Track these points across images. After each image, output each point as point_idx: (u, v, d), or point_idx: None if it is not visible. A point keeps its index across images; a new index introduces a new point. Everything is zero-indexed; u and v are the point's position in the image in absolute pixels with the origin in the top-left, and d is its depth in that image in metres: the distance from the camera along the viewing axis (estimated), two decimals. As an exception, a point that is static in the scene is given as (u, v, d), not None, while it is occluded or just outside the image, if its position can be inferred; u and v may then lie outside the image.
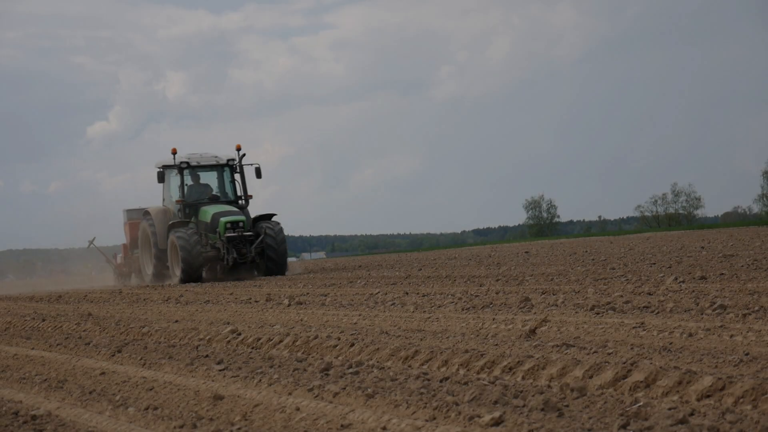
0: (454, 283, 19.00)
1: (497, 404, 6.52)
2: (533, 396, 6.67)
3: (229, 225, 30.24)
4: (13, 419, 7.63)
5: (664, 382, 6.73)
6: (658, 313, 11.13)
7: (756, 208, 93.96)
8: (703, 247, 28.69)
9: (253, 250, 30.28)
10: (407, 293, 17.14)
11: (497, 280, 18.92)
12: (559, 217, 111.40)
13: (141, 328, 14.22)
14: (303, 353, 10.24)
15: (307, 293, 19.61)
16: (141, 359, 10.56)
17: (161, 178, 31.94)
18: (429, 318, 12.64)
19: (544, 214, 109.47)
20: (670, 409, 6.06)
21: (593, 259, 25.95)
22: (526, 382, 7.50)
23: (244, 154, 32.13)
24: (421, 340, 10.42)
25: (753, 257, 20.55)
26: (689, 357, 7.94)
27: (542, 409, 6.23)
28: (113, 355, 11.25)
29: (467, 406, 6.45)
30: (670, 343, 8.84)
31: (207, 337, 12.30)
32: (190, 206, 31.65)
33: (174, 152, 31.62)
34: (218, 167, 32.24)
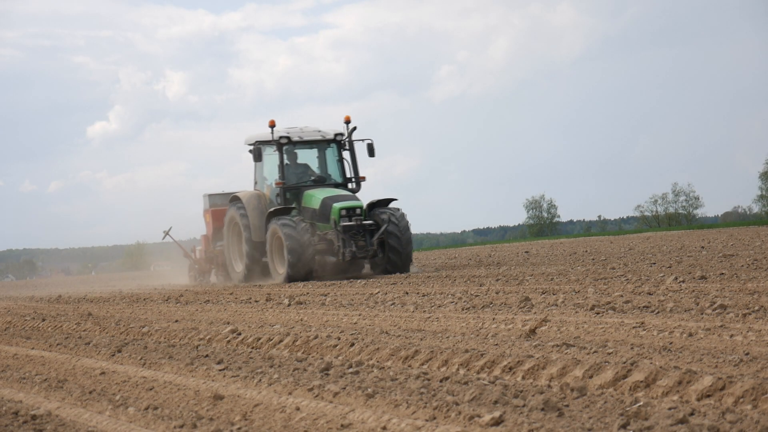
0: (454, 283, 19.00)
1: (497, 404, 6.52)
2: (533, 396, 6.67)
3: (344, 212, 25.19)
4: (13, 419, 7.63)
5: (664, 381, 6.73)
6: (658, 312, 11.13)
7: (756, 208, 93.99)
8: (703, 247, 28.69)
9: (375, 242, 25.26)
10: (407, 293, 17.14)
11: (497, 280, 18.92)
12: (559, 216, 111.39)
13: (141, 328, 14.23)
14: (303, 353, 10.24)
15: (307, 293, 19.61)
16: (141, 359, 10.56)
17: (258, 155, 26.72)
18: (429, 318, 12.64)
19: (545, 214, 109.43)
20: (670, 408, 6.06)
21: (593, 259, 25.96)
22: (526, 381, 7.50)
23: (354, 128, 27.14)
24: (421, 339, 10.42)
25: (753, 257, 20.55)
26: (689, 357, 7.94)
27: (542, 409, 6.23)
28: (113, 355, 11.25)
29: (467, 406, 6.45)
30: (670, 343, 8.84)
31: (207, 337, 12.30)
32: (290, 190, 26.71)
33: (272, 125, 26.77)
34: (323, 143, 27.20)
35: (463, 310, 13.30)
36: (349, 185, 27.10)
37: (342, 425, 6.44)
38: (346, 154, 27.22)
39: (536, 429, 5.74)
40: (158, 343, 12.20)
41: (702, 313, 10.68)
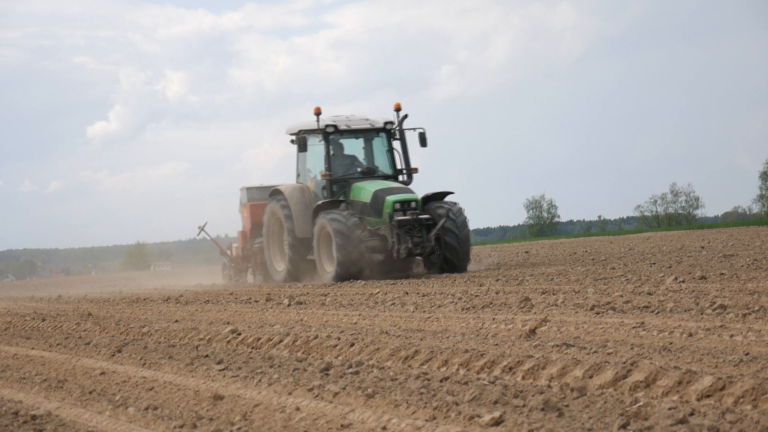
0: (454, 283, 19.00)
1: (497, 404, 6.52)
2: (533, 396, 6.67)
3: (398, 205, 23.36)
4: (13, 419, 7.63)
5: (664, 382, 6.73)
6: (658, 313, 11.13)
7: (756, 208, 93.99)
8: (703, 247, 28.69)
9: (432, 239, 23.36)
10: (407, 293, 17.15)
11: (497, 280, 18.92)
12: (559, 216, 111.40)
13: (141, 328, 14.23)
14: (303, 353, 10.24)
15: (307, 293, 19.62)
16: (141, 359, 10.56)
17: (303, 145, 24.85)
18: (429, 318, 12.64)
19: (545, 214, 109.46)
20: (670, 409, 6.06)
21: (593, 259, 25.96)
22: (526, 382, 7.50)
23: (405, 116, 25.40)
24: (421, 340, 10.42)
25: (753, 257, 20.55)
26: (689, 357, 7.94)
27: (542, 409, 6.23)
28: (113, 355, 11.25)
29: (467, 406, 6.45)
30: (670, 343, 8.84)
31: (207, 337, 12.30)
32: (337, 182, 24.85)
33: (318, 112, 24.77)
34: (371, 132, 25.38)
35: (463, 310, 13.31)
36: (400, 177, 25.39)
37: (342, 425, 6.44)
38: (396, 144, 25.56)
39: (536, 429, 5.74)
40: (158, 343, 12.20)
41: (702, 313, 10.68)
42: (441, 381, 7.62)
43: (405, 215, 23.26)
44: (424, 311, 13.56)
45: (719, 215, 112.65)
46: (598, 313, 11.52)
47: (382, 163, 25.54)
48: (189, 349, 11.30)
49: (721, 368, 7.35)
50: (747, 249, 25.07)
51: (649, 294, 13.33)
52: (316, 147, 25.23)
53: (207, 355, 10.44)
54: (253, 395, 7.69)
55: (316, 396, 7.38)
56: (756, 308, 10.58)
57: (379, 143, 25.53)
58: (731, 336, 8.94)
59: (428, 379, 7.72)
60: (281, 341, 10.97)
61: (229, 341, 11.77)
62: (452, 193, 24.37)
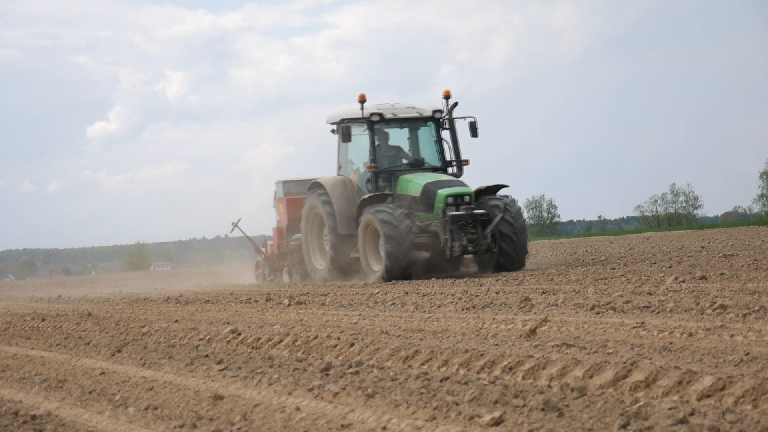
0: (454, 283, 18.99)
1: (497, 404, 6.52)
2: (533, 396, 6.67)
3: (450, 199, 21.82)
4: (13, 419, 7.63)
5: (664, 382, 6.72)
6: (658, 313, 11.13)
7: (756, 208, 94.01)
8: (703, 247, 28.70)
9: (488, 235, 21.74)
10: (407, 293, 17.14)
11: (497, 280, 18.91)
12: (559, 216, 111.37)
13: (141, 328, 14.23)
14: (303, 353, 10.24)
15: (307, 293, 19.62)
16: (141, 359, 10.55)
17: (347, 134, 23.10)
18: (429, 318, 12.64)
19: (545, 214, 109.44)
20: (670, 409, 6.05)
21: (593, 259, 25.96)
22: (526, 382, 7.50)
23: (455, 104, 23.78)
24: (421, 340, 10.42)
25: (753, 257, 20.55)
26: (689, 357, 7.94)
27: (542, 409, 6.23)
28: (113, 355, 11.25)
29: (467, 406, 6.44)
30: (670, 343, 8.84)
31: (207, 337, 12.30)
32: (383, 175, 23.30)
33: (362, 99, 23.11)
34: (418, 121, 23.78)
35: (463, 310, 13.30)
36: (449, 170, 23.75)
37: (342, 425, 6.44)
38: (445, 134, 23.91)
39: (536, 429, 5.74)
40: (158, 343, 12.19)
41: (702, 313, 10.68)
42: (441, 381, 7.61)
43: (458, 210, 21.66)
44: (424, 311, 13.55)
45: (719, 215, 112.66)
46: (598, 313, 11.52)
47: (429, 155, 23.99)
48: (189, 349, 11.30)
49: (721, 368, 7.34)
50: (747, 249, 25.08)
51: (649, 294, 13.33)
52: (359, 137, 23.64)
53: (207, 355, 10.44)
54: (253, 395, 7.69)
55: (316, 396, 7.38)
56: (756, 308, 10.57)
57: (426, 133, 24.00)
58: (731, 336, 8.94)
59: (428, 379, 7.71)
60: (281, 341, 10.97)
61: (229, 341, 11.76)
62: (506, 186, 22.97)
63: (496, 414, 6.01)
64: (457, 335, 10.61)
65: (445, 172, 23.66)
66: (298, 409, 7.00)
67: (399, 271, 21.56)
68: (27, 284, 64.31)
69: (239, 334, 12.13)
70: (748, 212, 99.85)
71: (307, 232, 24.59)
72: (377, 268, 22.16)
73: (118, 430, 7.07)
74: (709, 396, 6.36)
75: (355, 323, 12.81)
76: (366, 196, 22.69)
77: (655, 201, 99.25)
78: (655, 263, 21.27)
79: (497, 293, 15.46)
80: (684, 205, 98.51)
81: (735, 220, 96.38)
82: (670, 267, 19.37)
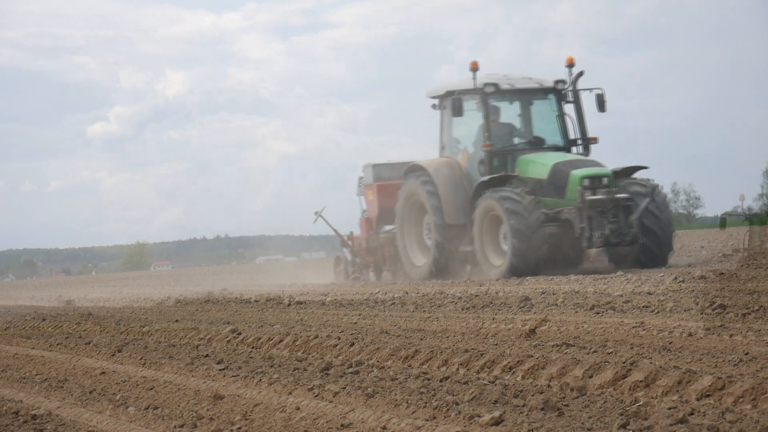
0: (454, 283, 19.00)
1: (497, 404, 6.53)
2: (533, 395, 6.68)
3: (586, 182, 18.86)
4: (13, 419, 7.63)
5: (663, 381, 6.73)
6: (658, 312, 11.14)
7: (756, 208, 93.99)
8: (702, 247, 28.70)
9: (634, 224, 18.85)
10: (407, 293, 17.15)
11: (497, 280, 18.91)
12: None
13: (141, 328, 14.23)
14: (303, 353, 10.25)
15: (307, 293, 19.62)
16: (141, 359, 10.56)
17: (459, 108, 20.04)
18: (429, 318, 12.64)
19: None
20: (669, 408, 6.06)
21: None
22: (526, 381, 7.50)
23: (581, 73, 20.80)
24: (421, 339, 10.43)
25: (753, 257, 20.54)
26: (689, 357, 7.95)
27: (542, 409, 6.23)
28: (113, 355, 11.25)
29: (467, 406, 6.45)
30: (670, 343, 8.85)
31: (207, 337, 12.30)
32: (498, 155, 20.39)
33: (475, 67, 20.19)
34: (538, 94, 20.90)
35: (463, 309, 13.31)
36: (573, 149, 20.85)
37: (342, 425, 6.44)
38: (569, 109, 21.05)
39: (536, 429, 5.74)
40: (158, 343, 12.20)
41: (702, 313, 10.69)
42: (441, 381, 7.62)
43: (595, 194, 18.67)
44: (424, 311, 13.56)
45: (718, 215, 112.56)
46: (598, 313, 11.52)
47: (549, 132, 21.03)
48: (189, 348, 11.31)
49: (721, 368, 7.35)
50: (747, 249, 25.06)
51: (649, 294, 13.34)
52: (469, 113, 20.59)
53: (207, 355, 10.44)
54: (253, 395, 7.69)
55: (316, 396, 7.39)
56: (756, 308, 10.58)
57: (544, 107, 21.07)
58: (731, 336, 8.95)
59: (428, 379, 7.72)
60: (281, 341, 10.98)
61: (229, 341, 11.77)
62: (646, 167, 20.05)
63: (496, 414, 6.02)
64: (457, 335, 10.62)
65: (568, 152, 20.72)
66: (298, 408, 7.01)
67: (526, 268, 18.90)
68: (27, 284, 64.32)
69: (239, 333, 12.14)
70: (748, 213, 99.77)
71: (403, 223, 21.77)
72: (498, 262, 19.51)
73: (119, 430, 7.07)
74: (708, 396, 6.36)
75: (355, 323, 12.82)
76: (485, 177, 19.81)
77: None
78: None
79: (497, 293, 15.46)
80: (685, 204, 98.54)
81: (735, 220, 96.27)
82: (670, 267, 19.38)
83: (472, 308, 13.33)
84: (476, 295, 15.27)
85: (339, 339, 10.56)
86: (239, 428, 6.65)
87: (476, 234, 19.81)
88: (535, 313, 12.08)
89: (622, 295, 13.21)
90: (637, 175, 20.05)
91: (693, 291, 13.24)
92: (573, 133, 21.00)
